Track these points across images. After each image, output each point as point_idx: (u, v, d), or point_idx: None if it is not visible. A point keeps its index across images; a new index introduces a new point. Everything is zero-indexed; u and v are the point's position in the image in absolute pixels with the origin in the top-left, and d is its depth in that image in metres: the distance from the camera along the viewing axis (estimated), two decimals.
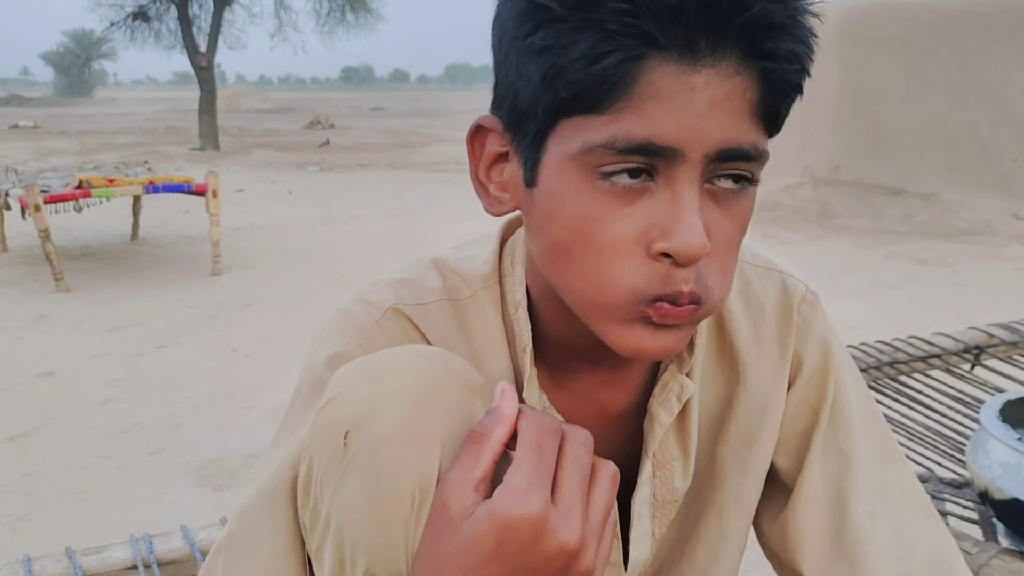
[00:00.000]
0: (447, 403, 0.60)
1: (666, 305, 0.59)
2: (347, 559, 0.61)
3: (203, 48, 17.42)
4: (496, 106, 0.65)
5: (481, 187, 0.69)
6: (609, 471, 0.60)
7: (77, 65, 73.09)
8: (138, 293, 5.34)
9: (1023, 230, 6.89)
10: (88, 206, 5.59)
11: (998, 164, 7.48)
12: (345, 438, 0.59)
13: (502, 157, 0.66)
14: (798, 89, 0.58)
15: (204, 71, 17.19)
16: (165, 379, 3.78)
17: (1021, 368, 1.99)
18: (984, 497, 1.29)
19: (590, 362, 0.75)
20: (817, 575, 0.76)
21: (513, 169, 0.66)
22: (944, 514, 1.37)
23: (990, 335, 2.01)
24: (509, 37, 0.60)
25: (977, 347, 1.96)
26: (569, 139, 0.58)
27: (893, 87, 8.14)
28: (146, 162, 7.33)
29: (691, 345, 0.74)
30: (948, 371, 1.93)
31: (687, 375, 0.75)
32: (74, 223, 7.20)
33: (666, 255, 0.58)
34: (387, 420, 0.59)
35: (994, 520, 1.32)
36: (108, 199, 5.60)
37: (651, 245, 0.58)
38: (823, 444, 0.80)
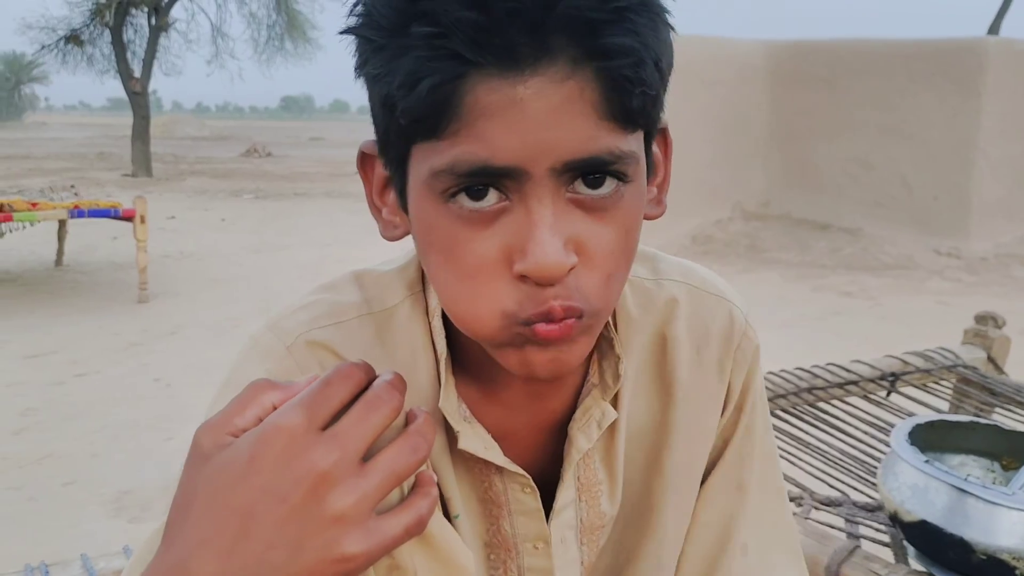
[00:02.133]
0: None
1: (543, 325, 0.58)
2: None
3: (137, 73, 17.16)
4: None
5: (376, 211, 0.68)
6: (390, 403, 0.54)
7: (6, 88, 71.33)
8: (59, 320, 5.19)
9: (943, 265, 7.13)
10: (10, 231, 5.43)
11: (919, 201, 7.75)
12: None
13: (389, 181, 0.65)
14: (642, 83, 0.54)
15: (138, 96, 16.92)
16: (83, 408, 3.66)
17: (935, 395, 2.03)
18: (895, 519, 1.31)
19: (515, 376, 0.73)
20: None
21: (393, 194, 0.65)
22: (857, 537, 1.39)
23: (905, 363, 2.05)
24: (356, 66, 0.59)
25: (893, 374, 2.01)
26: (420, 164, 0.57)
27: (820, 125, 8.40)
28: (73, 187, 7.19)
29: (616, 374, 0.73)
30: (865, 397, 1.96)
31: (613, 402, 0.74)
32: None
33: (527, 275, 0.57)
34: None
35: (904, 542, 1.34)
36: (31, 223, 5.45)
37: (514, 266, 0.57)
38: (726, 474, 0.80)
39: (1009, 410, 1.96)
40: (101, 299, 5.78)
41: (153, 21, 17.68)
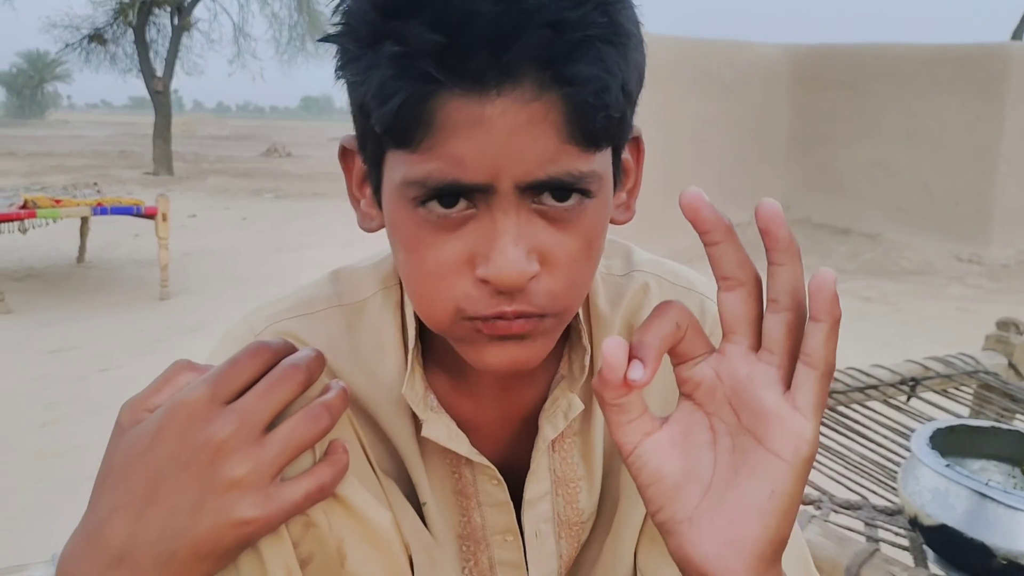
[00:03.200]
0: None
1: (494, 320, 0.60)
2: None
3: (159, 72, 17.28)
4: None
5: (355, 202, 0.71)
6: (294, 379, 0.57)
7: (30, 86, 71.96)
8: (82, 316, 5.24)
9: (964, 271, 7.08)
10: (33, 227, 5.48)
11: (941, 206, 7.69)
12: None
13: (367, 175, 0.68)
14: (606, 108, 0.55)
15: (160, 95, 17.04)
16: (106, 402, 3.70)
17: (955, 400, 2.03)
18: (914, 523, 1.32)
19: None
20: None
21: (370, 189, 0.67)
22: (877, 540, 1.39)
23: (926, 368, 2.05)
24: (335, 68, 0.61)
25: (913, 379, 2.00)
26: (394, 169, 0.60)
27: (842, 130, 8.35)
28: (95, 184, 7.23)
29: (583, 365, 0.74)
30: (885, 402, 1.96)
31: (587, 396, 0.76)
32: (19, 244, 7.05)
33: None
34: None
35: (924, 546, 1.34)
36: (54, 220, 5.50)
37: (476, 270, 0.59)
38: None
39: None
40: (123, 296, 5.83)
41: (176, 21, 17.79)
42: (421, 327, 0.74)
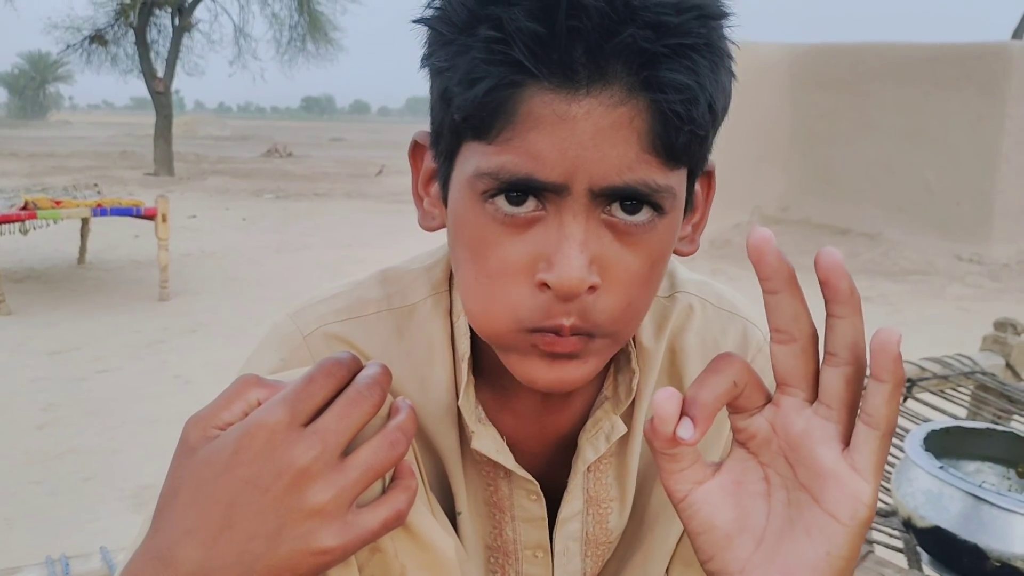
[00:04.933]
0: None
1: (549, 335, 0.59)
2: None
3: (160, 73, 17.29)
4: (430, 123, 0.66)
5: (418, 200, 0.69)
6: (370, 399, 0.55)
7: (32, 87, 72.13)
8: (81, 317, 5.24)
9: (965, 271, 7.07)
10: (34, 228, 5.48)
11: (941, 206, 7.69)
12: None
13: (435, 174, 0.66)
14: (692, 122, 0.55)
15: (161, 96, 17.05)
16: (104, 404, 3.70)
17: (952, 401, 2.02)
18: (908, 525, 1.31)
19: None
20: None
21: (437, 186, 0.66)
22: (871, 542, 1.39)
23: (922, 368, 2.04)
24: (423, 56, 0.61)
25: (910, 380, 2.00)
26: (467, 161, 0.58)
27: (841, 129, 8.35)
28: (96, 185, 7.23)
29: (630, 389, 0.73)
30: None
31: (628, 418, 0.75)
32: (19, 245, 7.05)
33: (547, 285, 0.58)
34: None
35: (918, 548, 1.34)
36: (55, 221, 5.50)
37: (537, 274, 0.58)
38: None
39: None
40: (123, 297, 5.84)
41: (176, 22, 17.81)
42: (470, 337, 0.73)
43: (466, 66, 0.54)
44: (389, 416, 0.57)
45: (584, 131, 0.54)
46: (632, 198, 0.57)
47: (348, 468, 0.53)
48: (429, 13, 0.58)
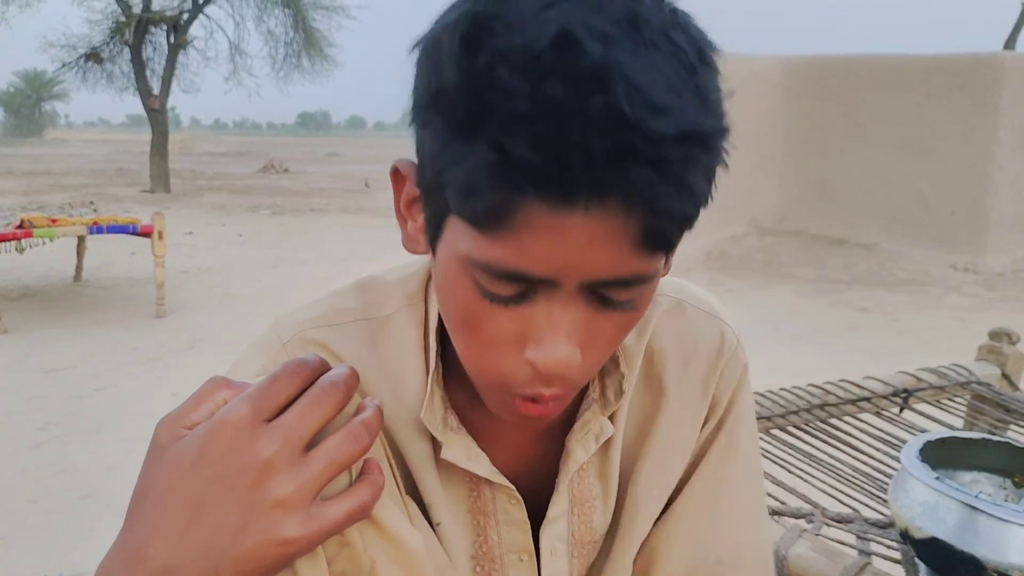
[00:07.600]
0: None
1: (528, 403, 0.62)
2: None
3: (156, 90, 17.32)
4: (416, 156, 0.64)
5: (402, 221, 0.69)
6: (333, 397, 0.57)
7: (27, 106, 72.16)
8: (78, 335, 5.23)
9: (960, 280, 7.08)
10: (30, 246, 5.49)
11: (936, 216, 7.71)
12: None
13: (419, 202, 0.66)
14: (686, 223, 0.56)
15: (157, 113, 17.08)
16: (101, 422, 3.69)
17: (948, 411, 2.02)
18: (905, 536, 1.31)
19: None
20: None
21: (422, 218, 0.65)
22: (869, 554, 1.39)
23: (918, 379, 2.04)
24: (415, 103, 0.59)
25: (906, 391, 2.00)
26: (458, 236, 0.58)
27: (836, 140, 8.38)
28: (92, 203, 7.24)
29: (620, 391, 0.75)
30: (878, 414, 1.95)
31: (611, 417, 0.76)
32: (15, 264, 7.06)
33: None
34: None
35: (916, 560, 1.34)
36: (51, 239, 5.50)
37: (524, 348, 0.60)
38: (703, 489, 0.81)
39: (1023, 427, 1.95)
40: (119, 314, 5.83)
41: (172, 39, 17.85)
42: (443, 341, 0.74)
43: (465, 172, 0.54)
44: (356, 415, 0.59)
45: (578, 238, 0.54)
46: (621, 286, 0.58)
47: (311, 461, 0.55)
48: (425, 94, 0.57)
